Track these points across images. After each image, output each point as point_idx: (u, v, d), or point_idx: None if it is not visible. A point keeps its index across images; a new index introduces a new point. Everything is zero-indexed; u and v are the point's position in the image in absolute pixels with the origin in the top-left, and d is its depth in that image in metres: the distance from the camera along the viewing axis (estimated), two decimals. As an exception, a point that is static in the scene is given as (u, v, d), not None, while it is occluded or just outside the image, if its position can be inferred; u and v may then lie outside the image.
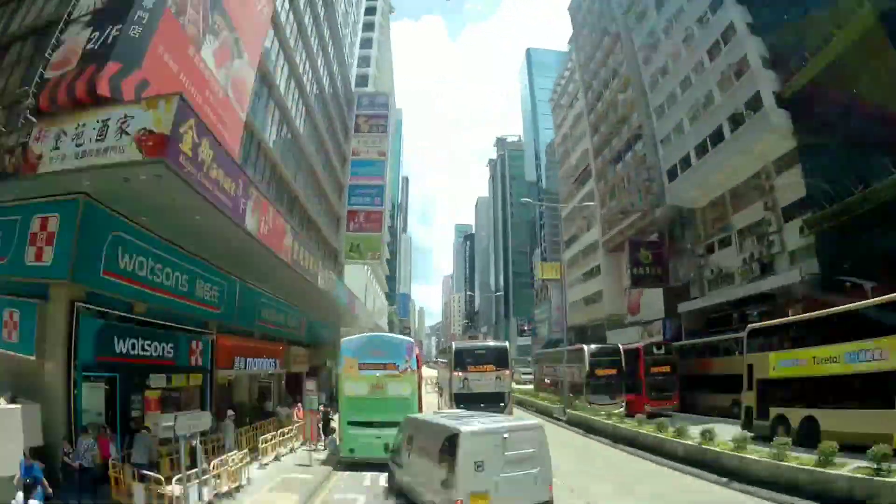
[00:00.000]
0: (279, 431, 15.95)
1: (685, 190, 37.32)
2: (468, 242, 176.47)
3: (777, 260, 30.51)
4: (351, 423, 14.56)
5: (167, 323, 13.72)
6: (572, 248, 61.49)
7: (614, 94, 49.87)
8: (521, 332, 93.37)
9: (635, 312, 49.15)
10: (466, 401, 18.79)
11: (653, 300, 45.40)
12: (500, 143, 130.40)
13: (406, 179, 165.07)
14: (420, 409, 15.06)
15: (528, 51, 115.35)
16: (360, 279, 49.39)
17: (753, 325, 19.54)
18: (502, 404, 19.42)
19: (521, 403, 33.52)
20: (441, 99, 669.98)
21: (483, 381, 19.53)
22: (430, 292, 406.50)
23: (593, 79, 55.85)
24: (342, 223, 37.11)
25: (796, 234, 28.16)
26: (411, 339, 16.18)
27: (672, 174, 38.88)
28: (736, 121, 30.90)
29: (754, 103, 29.12)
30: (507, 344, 21.96)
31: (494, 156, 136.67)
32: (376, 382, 14.72)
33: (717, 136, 32.89)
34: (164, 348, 13.41)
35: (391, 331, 67.01)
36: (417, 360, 15.31)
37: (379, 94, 45.90)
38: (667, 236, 44.37)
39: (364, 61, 55.96)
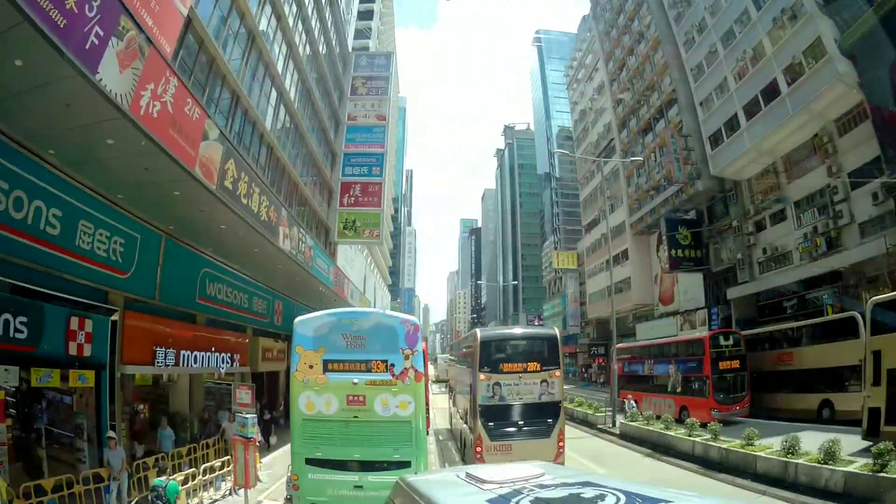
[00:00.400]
0: (205, 468, 10.38)
1: (732, 157, 32.80)
2: (474, 237, 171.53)
3: (844, 233, 26.33)
4: (311, 463, 8.68)
5: (18, 283, 8.45)
6: (592, 232, 56.24)
7: (640, 59, 45.30)
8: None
9: (668, 302, 43.90)
10: (498, 418, 12.62)
11: (690, 287, 40.22)
12: (508, 131, 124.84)
13: (410, 172, 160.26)
14: (427, 428, 9.52)
15: (538, 32, 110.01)
16: (358, 267, 44.24)
17: (879, 298, 14.74)
18: (550, 420, 12.57)
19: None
20: (440, 100, 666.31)
21: (523, 387, 12.64)
22: (434, 291, 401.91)
23: (615, 47, 51.89)
24: (335, 197, 31.74)
25: (868, 201, 24.44)
26: (413, 318, 9.76)
27: (715, 140, 34.49)
28: (793, 73, 26.94)
29: (814, 51, 25.46)
30: (556, 331, 14.47)
31: (502, 145, 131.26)
32: (354, 394, 8.78)
33: (772, 93, 28.75)
34: (10, 325, 8.15)
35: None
36: (424, 356, 9.43)
37: (379, 54, 40.47)
38: (706, 214, 39.34)
39: (362, 33, 50.68)
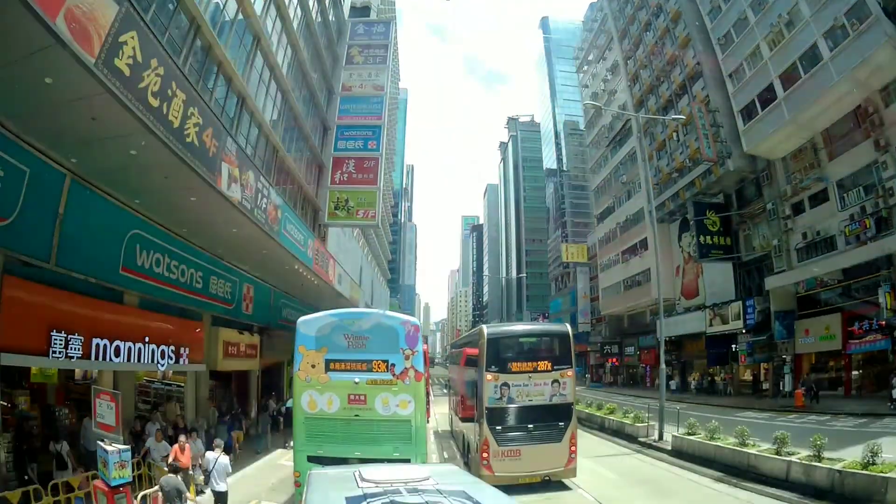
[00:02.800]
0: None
1: (769, 131, 29.31)
2: (475, 233, 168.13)
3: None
4: (313, 461, 8.65)
5: None
6: (606, 222, 52.56)
7: (659, 33, 42.32)
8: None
9: (691, 296, 40.38)
10: (506, 422, 11.73)
11: (717, 279, 36.75)
12: (512, 123, 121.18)
13: (411, 167, 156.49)
14: (427, 417, 9.96)
15: (544, 20, 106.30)
16: (353, 256, 40.82)
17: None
18: (561, 424, 11.67)
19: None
20: (442, 94, 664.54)
21: (533, 387, 11.74)
22: (435, 289, 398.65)
23: (630, 24, 48.93)
24: (326, 173, 28.20)
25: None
26: (414, 319, 9.83)
27: (748, 114, 31.40)
28: (835, 38, 24.63)
29: (857, 12, 23.21)
30: (567, 327, 13.23)
31: (505, 139, 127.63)
32: (356, 393, 9.17)
33: (812, 59, 26.25)
34: None
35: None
36: (424, 356, 9.54)
37: (378, 22, 36.81)
38: (734, 198, 35.92)
39: (360, 12, 47.09)
